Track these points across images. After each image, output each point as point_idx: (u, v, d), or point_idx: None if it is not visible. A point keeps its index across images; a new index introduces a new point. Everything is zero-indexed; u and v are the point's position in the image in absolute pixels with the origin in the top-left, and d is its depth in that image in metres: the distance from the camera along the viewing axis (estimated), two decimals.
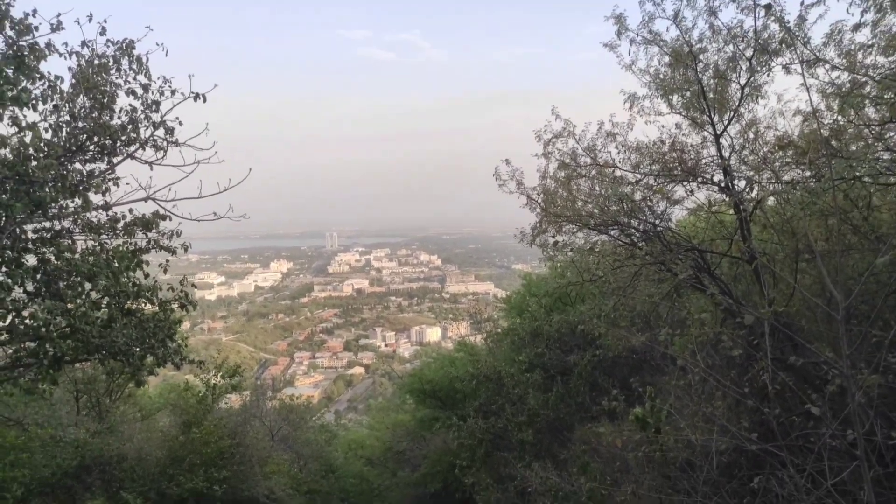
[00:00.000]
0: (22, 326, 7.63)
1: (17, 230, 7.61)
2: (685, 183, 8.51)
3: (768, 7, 7.03)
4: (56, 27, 7.29)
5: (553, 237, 9.07)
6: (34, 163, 6.22)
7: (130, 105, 8.52)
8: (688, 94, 8.27)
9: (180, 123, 8.85)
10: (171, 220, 8.75)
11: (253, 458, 13.61)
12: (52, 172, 6.33)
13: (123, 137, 8.48)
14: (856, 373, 4.64)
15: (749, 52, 7.69)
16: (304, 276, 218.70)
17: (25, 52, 7.43)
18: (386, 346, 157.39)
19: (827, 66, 6.94)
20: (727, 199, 8.19)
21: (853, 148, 7.18)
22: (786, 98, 8.38)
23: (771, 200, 8.18)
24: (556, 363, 16.70)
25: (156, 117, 8.72)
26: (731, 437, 5.28)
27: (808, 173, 7.41)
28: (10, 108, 7.29)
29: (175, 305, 8.80)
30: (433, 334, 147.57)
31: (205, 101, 8.75)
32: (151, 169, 8.90)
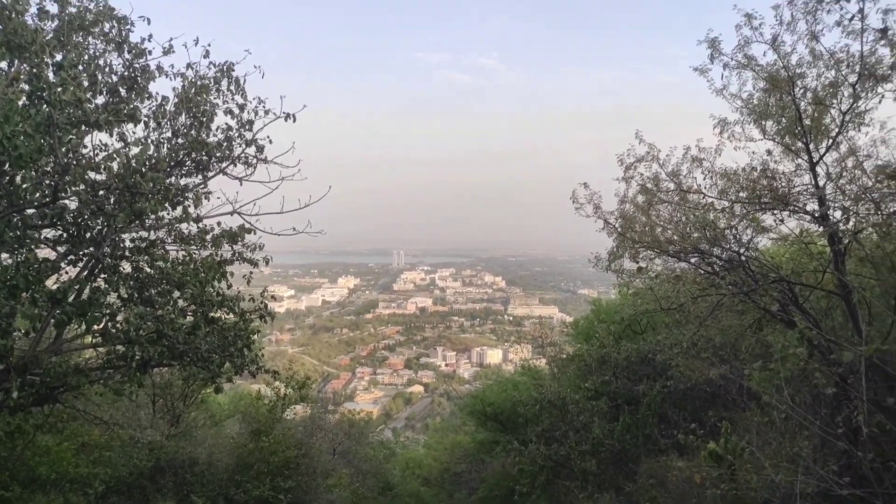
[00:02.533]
0: (114, 330, 8.07)
1: (117, 239, 8.10)
2: (775, 211, 8.20)
3: (884, 31, 6.76)
4: (167, 51, 7.83)
5: (636, 262, 8.88)
6: (139, 176, 6.63)
7: (226, 124, 9.00)
8: (783, 119, 8.00)
9: (270, 142, 9.26)
10: (255, 233, 9.12)
11: (316, 470, 13.83)
12: (156, 185, 6.72)
13: (218, 154, 8.95)
14: None
15: (853, 78, 7.39)
16: (369, 292, 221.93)
17: (138, 74, 8.02)
18: (446, 365, 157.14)
19: None
20: (821, 229, 7.83)
21: None
22: (890, 125, 7.99)
23: (870, 233, 7.77)
24: (623, 392, 16.27)
25: (248, 135, 9.16)
26: (818, 479, 4.99)
27: None
28: (121, 124, 7.84)
29: (255, 316, 9.12)
30: (494, 356, 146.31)
31: (294, 120, 9.13)
32: (241, 184, 9.34)
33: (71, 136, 6.28)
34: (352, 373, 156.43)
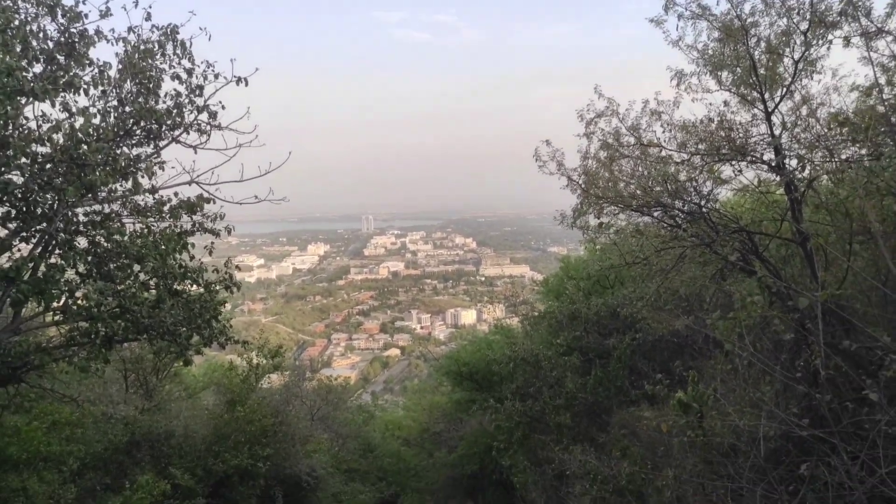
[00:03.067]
0: (75, 307, 7.87)
1: (70, 213, 7.83)
2: (733, 162, 8.27)
3: None
4: (105, 13, 7.45)
5: (599, 218, 8.90)
6: (85, 147, 6.37)
7: (175, 90, 8.67)
8: (738, 70, 7.99)
9: (223, 107, 8.98)
10: (214, 203, 8.91)
11: (295, 437, 13.92)
12: (103, 156, 6.46)
13: (169, 122, 8.64)
14: None
15: (804, 26, 7.39)
16: (340, 258, 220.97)
17: (76, 40, 7.62)
18: (421, 328, 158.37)
19: (889, 37, 6.63)
20: (778, 178, 7.93)
21: None
22: (842, 73, 8.04)
23: (825, 180, 7.89)
24: (594, 347, 16.57)
25: (199, 101, 8.85)
26: (779, 422, 5.15)
27: (864, 151, 7.12)
28: (62, 93, 7.48)
29: (220, 287, 8.98)
30: (468, 317, 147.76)
31: (247, 84, 8.83)
32: (196, 153, 9.07)
33: (6, 108, 5.96)
34: (327, 339, 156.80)
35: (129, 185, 7.45)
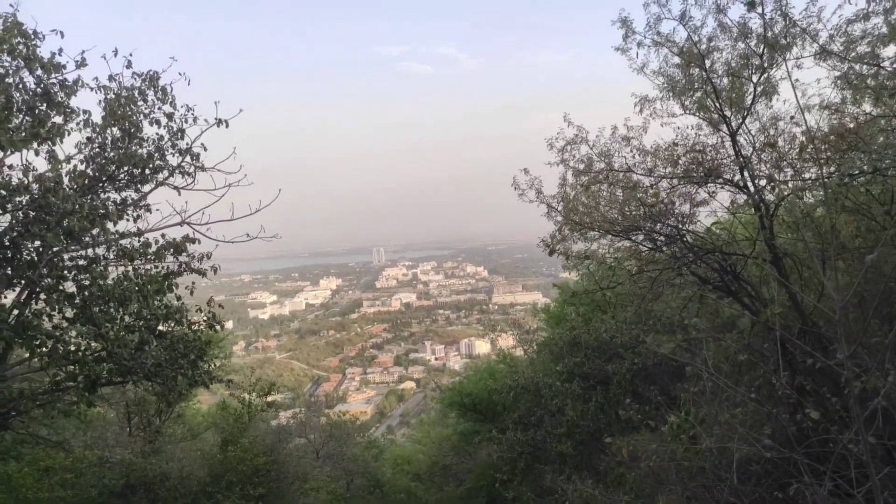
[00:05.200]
0: (61, 350, 7.96)
1: (55, 259, 7.96)
2: (707, 185, 8.27)
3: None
4: (80, 63, 7.66)
5: (579, 243, 8.90)
6: (51, 196, 6.52)
7: (157, 134, 8.88)
8: (699, 94, 8.06)
9: (205, 149, 9.18)
10: (199, 243, 9.02)
11: (290, 475, 13.82)
12: (70, 204, 6.60)
13: (152, 165, 8.83)
14: (876, 373, 4.45)
15: (761, 48, 7.45)
16: (352, 292, 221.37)
17: (55, 90, 7.84)
18: (436, 359, 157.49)
19: (836, 59, 6.67)
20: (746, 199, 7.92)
21: (881, 140, 6.87)
22: (810, 93, 8.10)
23: (793, 199, 7.85)
24: (595, 372, 16.38)
25: (182, 144, 9.06)
26: (747, 444, 5.08)
27: (832, 169, 7.11)
28: (46, 143, 7.67)
29: (203, 326, 9.04)
30: (483, 347, 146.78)
31: (227, 126, 9.01)
32: (179, 194, 9.27)
33: None
34: (342, 374, 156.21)
35: (120, 227, 7.56)
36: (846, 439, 4.49)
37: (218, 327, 9.14)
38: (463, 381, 24.10)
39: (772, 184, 7.53)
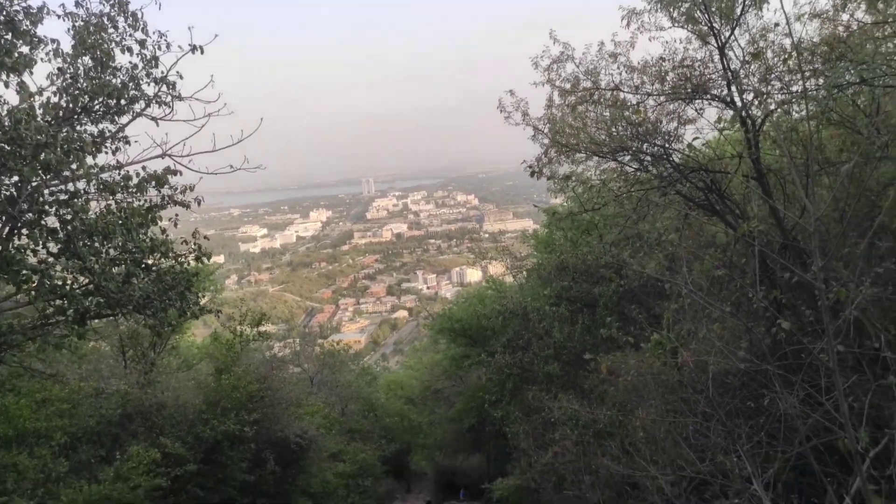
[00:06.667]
0: (47, 284, 7.95)
1: (35, 194, 7.84)
2: (693, 102, 8.13)
3: None
4: None
5: (563, 165, 8.79)
6: (22, 127, 6.35)
7: (130, 62, 8.56)
8: (687, 5, 7.78)
9: (181, 77, 8.88)
10: (182, 174, 8.89)
11: (284, 401, 14.25)
12: (43, 136, 6.44)
13: (127, 95, 8.57)
14: (851, 284, 4.55)
15: None
16: (343, 223, 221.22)
17: (19, 17, 7.50)
18: (428, 288, 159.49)
19: None
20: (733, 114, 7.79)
21: (868, 48, 6.74)
22: (802, 1, 7.83)
23: (780, 114, 7.74)
24: (582, 296, 16.66)
25: (157, 73, 8.75)
26: (723, 357, 5.24)
27: (821, 81, 6.98)
28: (13, 74, 7.41)
29: (191, 258, 9.02)
30: (474, 275, 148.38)
31: (202, 52, 8.70)
32: (158, 125, 9.02)
33: None
34: (335, 305, 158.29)
35: (77, 164, 7.39)
36: (817, 349, 4.63)
37: (205, 259, 9.13)
38: (453, 307, 24.47)
39: (758, 98, 7.42)
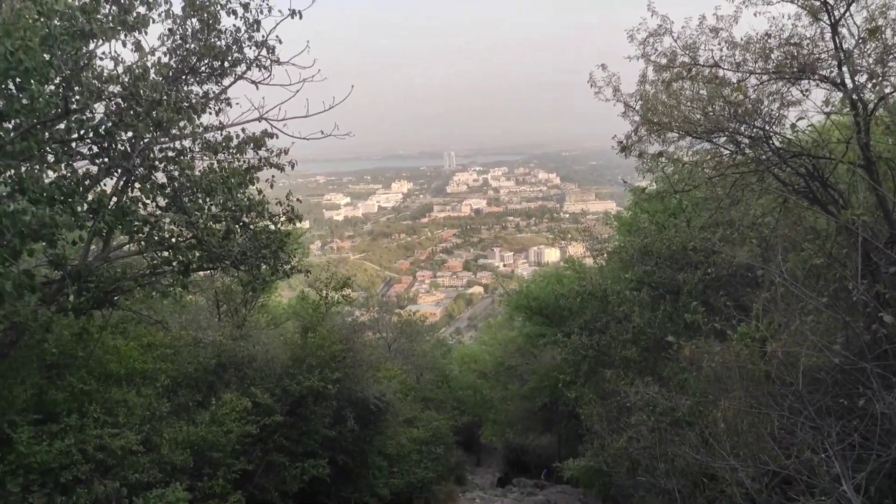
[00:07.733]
0: (156, 236, 8.56)
1: (147, 150, 8.42)
2: (799, 82, 7.67)
3: None
4: None
5: (653, 145, 8.50)
6: (142, 84, 6.80)
7: (234, 25, 8.93)
8: None
9: (280, 41, 9.18)
10: (277, 137, 9.27)
11: (364, 363, 14.79)
12: (158, 94, 6.88)
13: (230, 58, 8.99)
14: None
15: None
16: (423, 196, 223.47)
17: None
18: (504, 266, 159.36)
19: None
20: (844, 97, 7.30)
21: None
22: None
23: None
24: (665, 282, 16.22)
25: (258, 36, 9.09)
26: (816, 351, 5.02)
27: None
28: (132, 33, 7.92)
29: (283, 218, 9.45)
30: (552, 255, 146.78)
31: (301, 17, 8.94)
32: (257, 88, 9.38)
33: (71, 49, 6.41)
34: (413, 276, 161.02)
35: (185, 123, 7.84)
36: None
37: (297, 221, 9.54)
38: (530, 285, 24.42)
39: (873, 80, 6.91)
